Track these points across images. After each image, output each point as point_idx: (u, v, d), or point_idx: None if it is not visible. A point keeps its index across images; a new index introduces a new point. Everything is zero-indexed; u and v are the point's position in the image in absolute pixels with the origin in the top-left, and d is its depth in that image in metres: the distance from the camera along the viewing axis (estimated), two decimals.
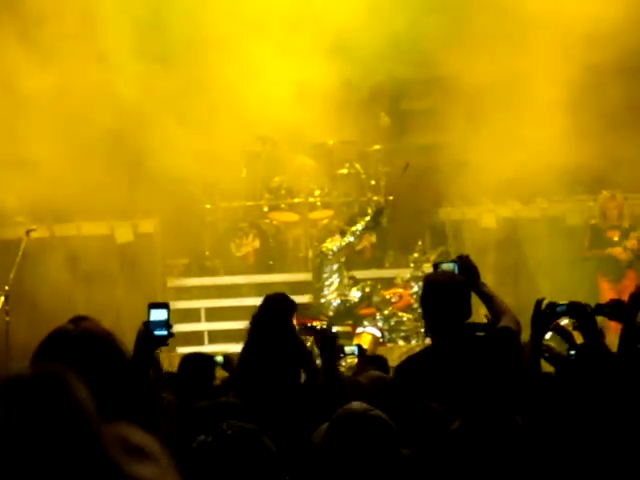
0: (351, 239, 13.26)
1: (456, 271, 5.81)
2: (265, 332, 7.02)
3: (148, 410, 3.04)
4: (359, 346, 7.58)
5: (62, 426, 2.19)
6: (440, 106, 13.51)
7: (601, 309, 5.39)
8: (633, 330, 5.37)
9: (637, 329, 5.42)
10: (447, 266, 5.86)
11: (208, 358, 7.00)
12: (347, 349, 7.50)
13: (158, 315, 4.42)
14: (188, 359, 6.87)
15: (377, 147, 14.71)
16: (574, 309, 5.33)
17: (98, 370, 2.90)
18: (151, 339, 4.19)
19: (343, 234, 13.43)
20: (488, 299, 5.84)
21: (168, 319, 4.35)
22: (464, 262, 5.86)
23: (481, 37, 13.18)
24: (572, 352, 5.50)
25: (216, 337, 13.96)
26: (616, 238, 13.11)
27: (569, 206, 14.14)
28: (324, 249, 13.28)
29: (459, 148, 13.07)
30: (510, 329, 5.60)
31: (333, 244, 13.30)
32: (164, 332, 4.29)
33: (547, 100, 13.01)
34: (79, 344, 2.93)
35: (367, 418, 3.72)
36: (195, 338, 13.68)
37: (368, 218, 13.30)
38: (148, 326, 4.26)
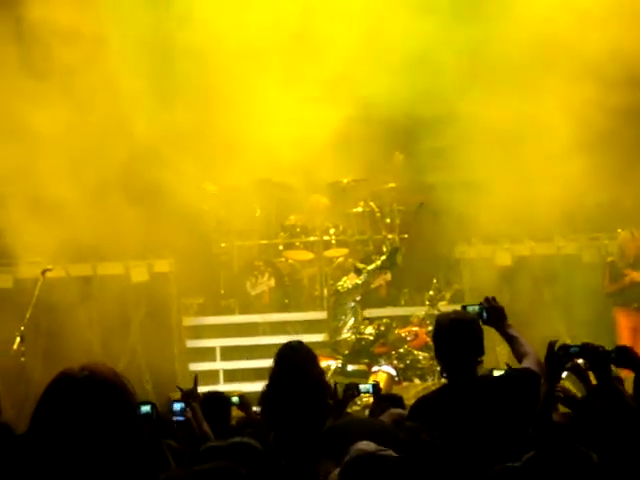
0: (366, 278, 13.27)
1: (483, 313, 5.85)
2: (290, 380, 7.04)
3: (141, 454, 3.03)
4: (375, 384, 7.56)
5: None
6: (455, 144, 13.53)
7: (608, 356, 5.38)
8: None
9: None
10: (472, 308, 5.90)
11: (224, 398, 7.01)
12: (362, 387, 7.49)
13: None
14: (205, 399, 6.88)
15: (392, 185, 14.73)
16: (587, 351, 5.31)
17: (101, 415, 2.90)
18: None
19: (358, 273, 13.44)
20: (512, 340, 5.85)
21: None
22: (490, 304, 5.90)
23: (498, 75, 13.23)
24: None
25: (232, 376, 13.95)
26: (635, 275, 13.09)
27: (585, 244, 14.12)
28: (340, 287, 13.29)
29: (474, 186, 13.07)
30: (530, 370, 5.59)
31: (349, 282, 13.31)
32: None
33: (564, 139, 13.01)
34: (83, 388, 2.93)
35: (378, 459, 3.74)
36: (210, 377, 13.66)
37: (384, 257, 13.31)
38: None
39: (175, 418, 6.27)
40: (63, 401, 2.87)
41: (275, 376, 7.19)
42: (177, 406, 6.22)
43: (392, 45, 13.70)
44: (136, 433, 2.88)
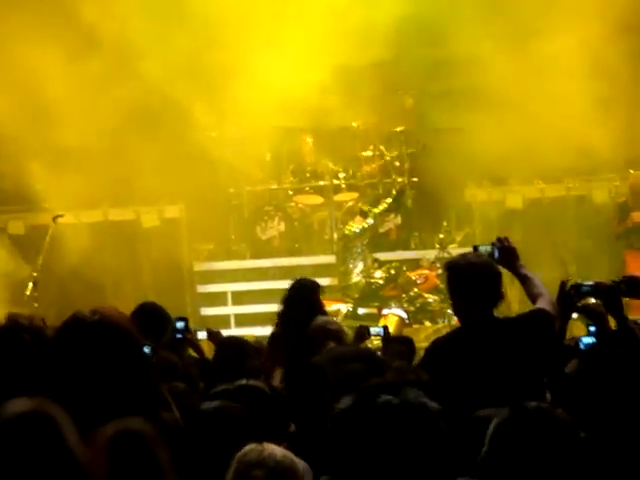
0: (373, 221, 13.27)
1: (495, 253, 5.81)
2: (295, 314, 7.15)
3: (148, 397, 3.09)
4: (385, 327, 7.62)
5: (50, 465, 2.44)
6: (466, 88, 13.46)
7: (618, 287, 5.31)
8: None
9: None
10: (485, 248, 5.87)
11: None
12: (373, 330, 7.55)
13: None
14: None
15: (401, 128, 14.68)
16: (600, 290, 5.29)
17: (110, 357, 2.95)
18: None
19: (365, 216, 13.45)
20: (526, 280, 5.80)
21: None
22: (502, 244, 5.85)
23: (505, 20, 13.13)
24: (588, 339, 5.48)
25: (243, 320, 14.02)
26: None
27: (595, 185, 14.07)
28: (347, 231, 13.30)
29: (485, 129, 13.02)
30: (545, 311, 5.56)
31: (355, 226, 13.33)
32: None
33: (574, 79, 12.94)
34: (94, 331, 2.97)
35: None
36: (222, 321, 13.73)
37: (390, 200, 13.30)
38: None
39: (176, 335, 6.58)
40: (74, 343, 2.91)
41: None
42: (180, 324, 6.60)
43: None
44: (143, 375, 2.92)
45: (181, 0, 13.62)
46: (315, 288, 8.23)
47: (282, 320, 8.20)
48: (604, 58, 12.84)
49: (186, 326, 6.84)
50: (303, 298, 8.09)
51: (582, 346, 5.58)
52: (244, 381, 4.62)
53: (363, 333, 7.55)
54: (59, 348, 3.00)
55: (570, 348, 5.44)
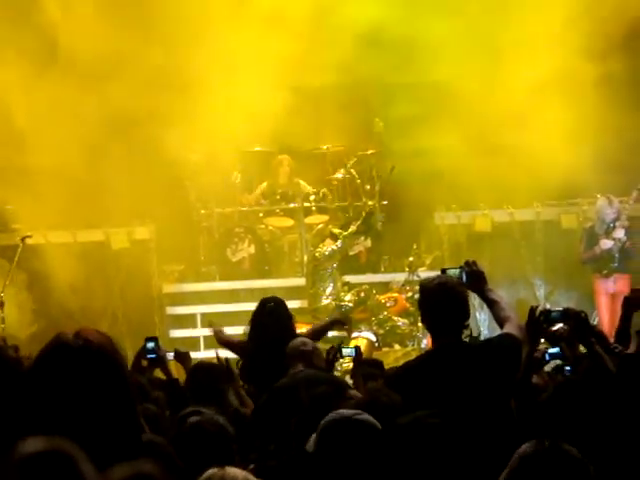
0: (343, 243, 13.31)
1: (463, 276, 5.81)
2: (270, 334, 7.16)
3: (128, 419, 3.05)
4: (356, 347, 7.61)
5: None
6: (434, 111, 13.53)
7: (588, 321, 5.26)
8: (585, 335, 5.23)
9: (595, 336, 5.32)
10: (453, 272, 5.86)
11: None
12: (344, 351, 7.54)
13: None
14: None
15: (372, 152, 14.73)
16: (568, 315, 5.32)
17: (95, 384, 2.92)
18: None
19: (335, 238, 13.49)
20: (493, 304, 5.79)
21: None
22: (470, 268, 5.84)
23: (474, 44, 13.23)
24: (553, 350, 5.51)
25: (212, 342, 13.96)
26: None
27: (564, 209, 14.17)
28: (317, 254, 13.34)
29: (455, 153, 13.09)
30: (512, 336, 5.53)
31: (325, 249, 13.37)
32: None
33: (541, 104, 13.05)
34: (79, 357, 2.94)
35: (355, 422, 3.79)
36: (191, 344, 13.68)
37: (359, 222, 13.34)
38: None
39: (148, 356, 6.54)
40: (59, 370, 2.88)
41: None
42: (150, 345, 6.55)
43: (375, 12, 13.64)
44: (129, 401, 2.90)
45: (149, 23, 13.58)
46: (286, 308, 8.29)
47: (255, 340, 8.20)
48: (572, 85, 12.96)
49: (156, 346, 6.81)
50: (277, 318, 8.11)
51: (547, 357, 5.61)
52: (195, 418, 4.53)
53: (335, 354, 7.54)
54: (41, 375, 2.95)
55: (536, 360, 5.47)
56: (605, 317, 12.71)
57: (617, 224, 13.04)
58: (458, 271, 5.83)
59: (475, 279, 5.79)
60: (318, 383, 5.85)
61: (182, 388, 6.68)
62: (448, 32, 13.42)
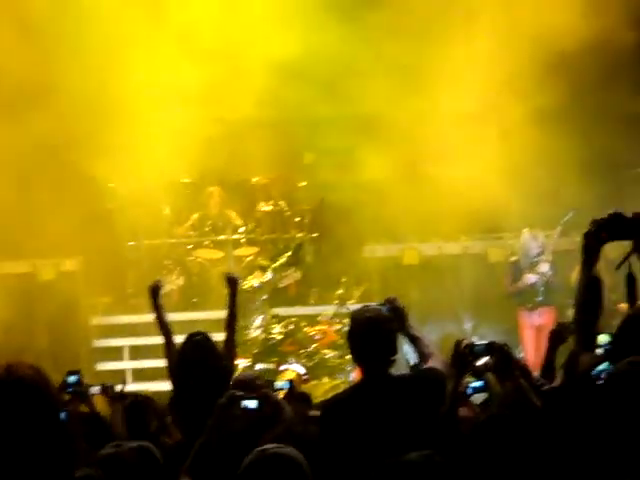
0: (272, 275, 13.31)
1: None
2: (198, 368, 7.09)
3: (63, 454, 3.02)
4: (291, 381, 7.58)
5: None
6: (363, 143, 13.61)
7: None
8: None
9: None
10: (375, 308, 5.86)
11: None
12: (277, 385, 7.50)
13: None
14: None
15: (301, 184, 14.78)
16: (493, 349, 5.35)
17: (22, 419, 2.88)
18: None
19: (264, 270, 13.49)
20: (415, 341, 5.82)
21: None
22: (392, 304, 5.83)
23: (401, 75, 13.33)
24: (476, 384, 5.53)
25: (140, 375, 13.86)
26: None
27: (491, 243, 14.32)
28: (246, 286, 13.31)
29: (384, 185, 13.18)
30: (436, 370, 5.56)
31: (254, 281, 13.35)
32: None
33: (469, 137, 13.19)
34: (7, 391, 2.90)
35: (278, 457, 3.79)
36: (119, 376, 13.55)
37: (289, 254, 13.36)
38: None
39: (69, 390, 6.45)
40: None
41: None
42: (72, 378, 6.46)
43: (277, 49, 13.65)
44: (57, 435, 2.87)
45: (72, 51, 13.47)
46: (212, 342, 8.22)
47: (183, 375, 8.12)
48: (499, 118, 13.12)
49: (78, 380, 6.73)
50: (204, 351, 8.03)
51: (470, 390, 5.62)
52: (135, 443, 4.52)
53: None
54: None
55: (460, 394, 5.49)
56: (530, 351, 12.83)
57: (542, 258, 13.20)
58: (380, 307, 5.83)
59: (397, 315, 5.78)
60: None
61: (105, 422, 6.61)
62: (374, 64, 13.52)
